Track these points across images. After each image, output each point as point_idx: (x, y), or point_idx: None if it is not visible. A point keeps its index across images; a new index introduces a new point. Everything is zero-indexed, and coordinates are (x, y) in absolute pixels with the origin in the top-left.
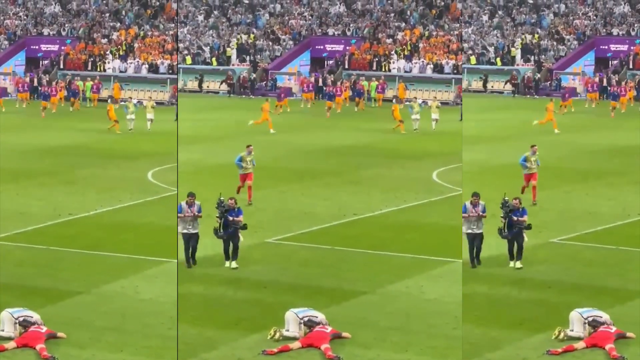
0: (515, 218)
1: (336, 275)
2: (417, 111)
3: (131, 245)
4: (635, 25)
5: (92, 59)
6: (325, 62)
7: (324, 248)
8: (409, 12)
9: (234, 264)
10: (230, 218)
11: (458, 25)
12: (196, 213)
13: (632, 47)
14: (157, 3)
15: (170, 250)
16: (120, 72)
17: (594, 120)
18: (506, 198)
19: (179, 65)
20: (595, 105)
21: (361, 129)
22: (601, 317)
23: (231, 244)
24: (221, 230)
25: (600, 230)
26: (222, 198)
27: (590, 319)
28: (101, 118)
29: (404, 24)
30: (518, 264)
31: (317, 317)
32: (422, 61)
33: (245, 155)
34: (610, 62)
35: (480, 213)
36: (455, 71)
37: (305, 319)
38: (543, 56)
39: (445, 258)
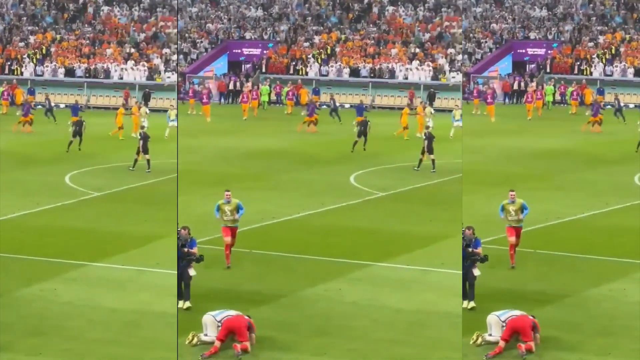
0: (469, 249)
1: (256, 279)
2: (458, 118)
3: (50, 249)
4: (553, 29)
5: (8, 63)
6: (243, 65)
7: (243, 252)
8: (326, 16)
9: (187, 304)
10: (185, 249)
11: (375, 29)
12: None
13: (549, 51)
14: (74, 7)
15: (89, 253)
16: (37, 75)
17: (513, 124)
18: (464, 228)
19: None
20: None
21: (279, 133)
22: (517, 315)
23: (182, 281)
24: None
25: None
26: (178, 228)
27: (508, 319)
28: (14, 122)
29: (322, 28)
30: (472, 304)
31: (233, 315)
32: (339, 65)
33: (222, 204)
34: (527, 65)
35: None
36: (372, 75)
37: (224, 319)
38: (461, 59)
39: (364, 261)
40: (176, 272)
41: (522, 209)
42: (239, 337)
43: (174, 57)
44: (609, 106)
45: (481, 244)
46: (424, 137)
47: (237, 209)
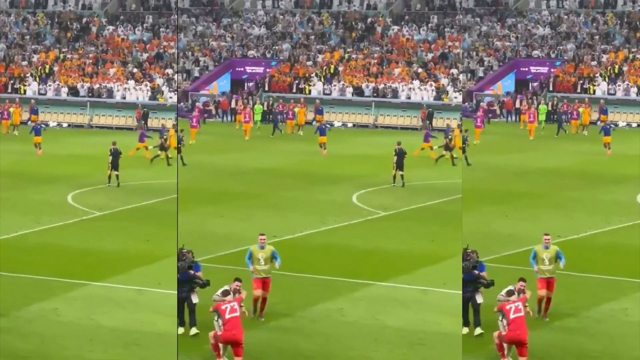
0: (476, 272)
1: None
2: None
3: (51, 268)
4: (558, 47)
5: (11, 82)
6: (245, 83)
7: (244, 270)
8: (329, 35)
9: (194, 330)
10: (192, 272)
11: (379, 48)
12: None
13: (552, 70)
14: (78, 26)
15: (90, 272)
16: (40, 94)
17: (510, 141)
18: (468, 250)
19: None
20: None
21: (281, 152)
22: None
23: (186, 306)
24: (182, 289)
25: (521, 252)
26: (184, 249)
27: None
28: (15, 140)
29: (325, 47)
30: (479, 330)
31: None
32: (342, 84)
33: (256, 250)
34: (530, 84)
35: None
36: (374, 94)
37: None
38: (463, 77)
39: (365, 281)
40: (175, 293)
41: (557, 257)
42: (234, 350)
43: (176, 76)
44: (612, 126)
45: (485, 269)
46: (395, 153)
47: (272, 256)
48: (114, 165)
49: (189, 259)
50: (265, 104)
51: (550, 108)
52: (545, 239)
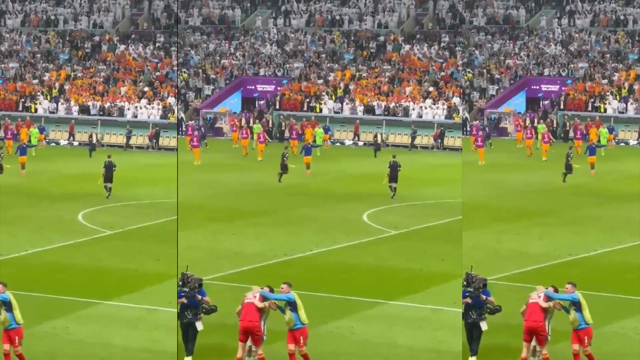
0: (483, 297)
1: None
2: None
3: (62, 286)
4: (570, 65)
5: (22, 100)
6: (257, 102)
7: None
8: (340, 54)
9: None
10: (199, 297)
11: (390, 67)
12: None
13: (563, 88)
14: (89, 45)
15: (101, 291)
16: (51, 113)
17: (523, 160)
18: (472, 272)
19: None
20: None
21: (291, 170)
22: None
23: (189, 333)
24: (188, 313)
25: (531, 270)
26: (187, 272)
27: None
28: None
29: (336, 65)
30: (474, 359)
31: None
32: (353, 102)
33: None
34: (541, 102)
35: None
36: (385, 112)
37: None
38: (474, 95)
39: (376, 299)
40: (176, 312)
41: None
42: (254, 341)
43: (189, 93)
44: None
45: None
46: (389, 166)
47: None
48: (107, 178)
49: (195, 281)
50: (271, 122)
51: (554, 127)
52: (566, 289)
